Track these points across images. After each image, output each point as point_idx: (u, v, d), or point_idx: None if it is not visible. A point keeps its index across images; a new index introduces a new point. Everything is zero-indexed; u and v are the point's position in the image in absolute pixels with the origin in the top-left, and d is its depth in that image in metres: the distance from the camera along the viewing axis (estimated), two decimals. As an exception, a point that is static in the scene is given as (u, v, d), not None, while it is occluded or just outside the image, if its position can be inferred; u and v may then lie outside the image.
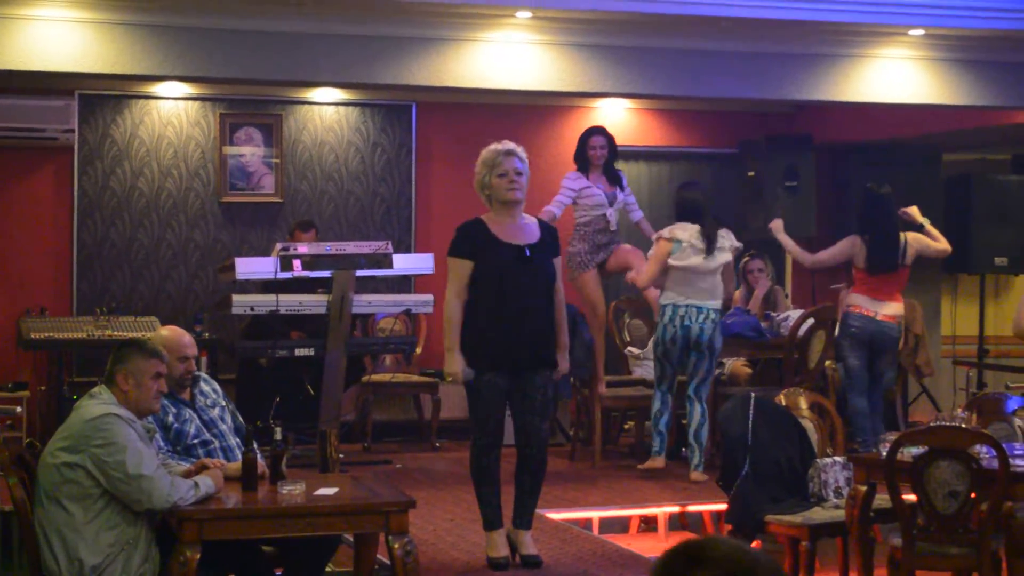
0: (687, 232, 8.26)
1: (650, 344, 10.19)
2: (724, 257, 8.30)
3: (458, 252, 6.02)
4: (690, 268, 8.21)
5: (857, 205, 8.52)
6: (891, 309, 8.42)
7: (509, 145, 6.05)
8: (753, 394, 6.49)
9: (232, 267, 8.18)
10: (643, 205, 9.99)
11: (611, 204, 8.85)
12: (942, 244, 8.57)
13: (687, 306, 8.22)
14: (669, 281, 8.27)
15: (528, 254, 5.97)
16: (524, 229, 6.05)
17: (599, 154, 8.87)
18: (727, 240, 8.35)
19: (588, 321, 8.89)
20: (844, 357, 8.47)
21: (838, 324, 8.58)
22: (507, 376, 5.96)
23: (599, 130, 9.02)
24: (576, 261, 8.85)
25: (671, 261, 8.22)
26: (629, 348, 9.91)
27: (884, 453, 5.62)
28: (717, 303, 8.28)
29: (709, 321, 8.23)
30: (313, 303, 8.19)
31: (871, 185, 8.59)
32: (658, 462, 8.31)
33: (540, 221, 6.16)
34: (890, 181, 8.65)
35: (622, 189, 8.96)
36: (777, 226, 8.88)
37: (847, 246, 8.46)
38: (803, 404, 6.63)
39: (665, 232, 8.35)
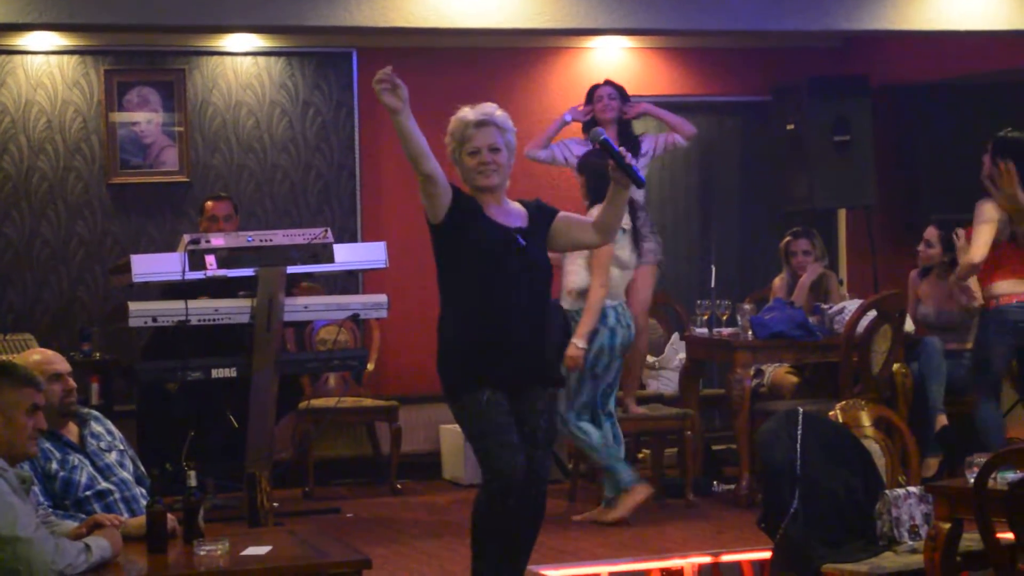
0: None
1: (667, 351, 10.24)
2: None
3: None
4: (623, 263, 8.36)
5: (985, 159, 8.34)
6: None
7: (484, 111, 5.95)
8: (801, 409, 6.51)
9: (128, 267, 8.18)
10: (652, 174, 9.96)
11: None
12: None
13: (621, 304, 8.41)
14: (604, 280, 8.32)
15: (522, 242, 5.93)
16: (510, 213, 6.03)
17: (606, 105, 8.93)
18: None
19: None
20: (990, 360, 8.51)
21: (984, 321, 8.57)
22: (507, 396, 5.92)
23: (605, 82, 9.26)
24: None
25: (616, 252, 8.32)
26: (641, 356, 9.92)
27: (972, 480, 5.63)
28: None
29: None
30: (233, 310, 8.20)
31: (1005, 132, 8.40)
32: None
33: (525, 204, 6.10)
34: (973, 130, 8.60)
35: (641, 156, 8.99)
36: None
37: (995, 215, 8.32)
38: (866, 420, 6.63)
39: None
